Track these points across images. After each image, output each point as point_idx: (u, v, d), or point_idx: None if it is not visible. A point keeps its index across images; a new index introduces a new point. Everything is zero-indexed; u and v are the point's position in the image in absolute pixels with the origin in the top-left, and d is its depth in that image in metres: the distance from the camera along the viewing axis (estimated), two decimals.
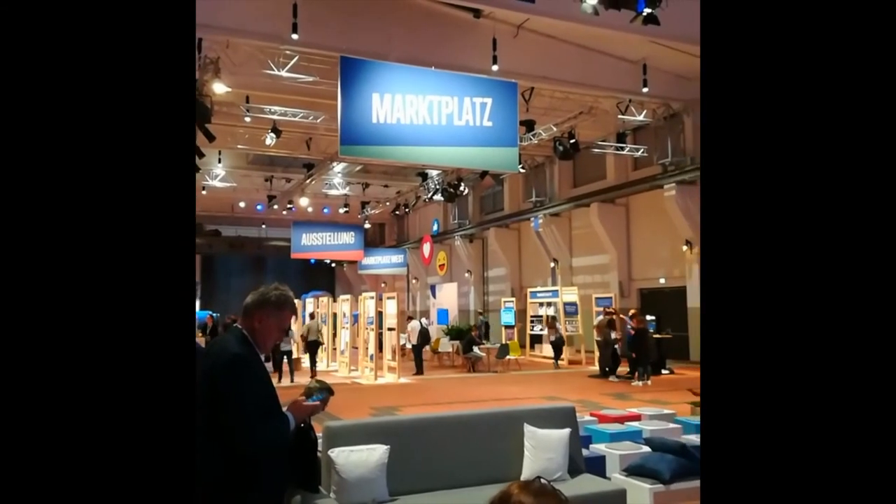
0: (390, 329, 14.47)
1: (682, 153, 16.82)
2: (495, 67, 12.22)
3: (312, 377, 11.86)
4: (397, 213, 26.70)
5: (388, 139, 10.85)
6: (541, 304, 19.34)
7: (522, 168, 19.61)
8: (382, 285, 31.42)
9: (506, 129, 11.79)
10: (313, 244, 27.57)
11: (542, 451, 4.08)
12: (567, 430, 4.21)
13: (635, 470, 4.32)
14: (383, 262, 31.44)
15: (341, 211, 27.07)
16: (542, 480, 1.35)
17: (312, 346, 14.85)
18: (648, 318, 14.82)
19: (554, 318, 17.36)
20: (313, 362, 14.86)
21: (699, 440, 5.60)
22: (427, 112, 11.13)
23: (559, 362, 16.45)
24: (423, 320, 19.22)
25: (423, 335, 15.66)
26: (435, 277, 28.43)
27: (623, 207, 19.52)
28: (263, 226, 31.29)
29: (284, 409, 2.39)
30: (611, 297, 17.57)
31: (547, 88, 15.10)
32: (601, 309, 16.07)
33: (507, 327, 19.82)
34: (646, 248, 18.89)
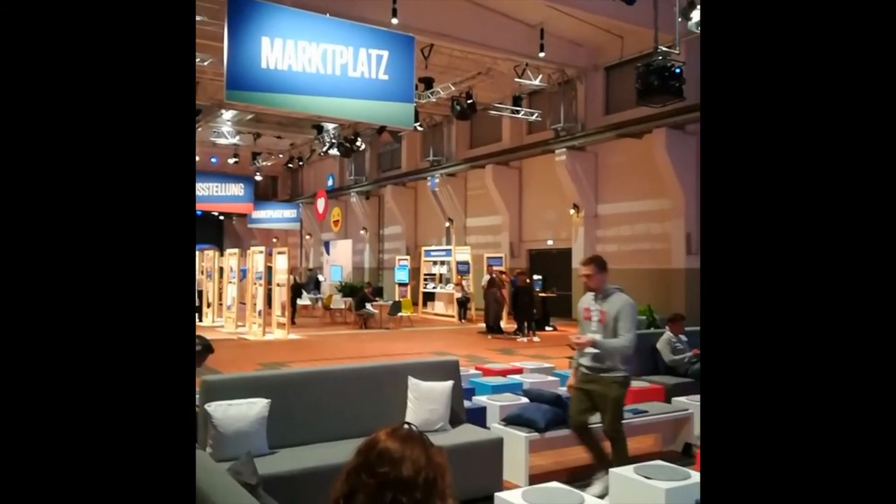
0: (279, 285, 14.16)
1: (573, 119, 17.35)
2: (395, 21, 11.94)
3: None
4: (291, 166, 25.87)
5: (277, 86, 10.39)
6: (434, 263, 19.59)
7: (420, 126, 19.51)
8: (274, 240, 30.53)
9: (402, 84, 11.61)
10: (199, 195, 26.23)
11: (424, 402, 4.17)
12: (450, 383, 4.32)
13: (513, 420, 4.51)
14: (275, 216, 30.50)
15: (231, 161, 25.85)
16: (409, 426, 1.37)
17: None
18: (535, 277, 15.42)
19: (461, 277, 17.85)
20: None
21: None
22: (320, 61, 10.73)
23: (464, 320, 17.11)
24: (319, 276, 18.92)
25: (295, 288, 16.54)
26: (329, 234, 27.96)
27: (517, 170, 19.96)
28: None
29: None
30: (501, 257, 18.07)
31: (446, 47, 14.99)
32: (490, 268, 16.53)
33: (400, 285, 19.96)
34: (536, 211, 19.49)
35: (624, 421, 4.18)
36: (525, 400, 5.05)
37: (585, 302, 4.30)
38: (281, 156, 25.97)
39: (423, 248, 20.82)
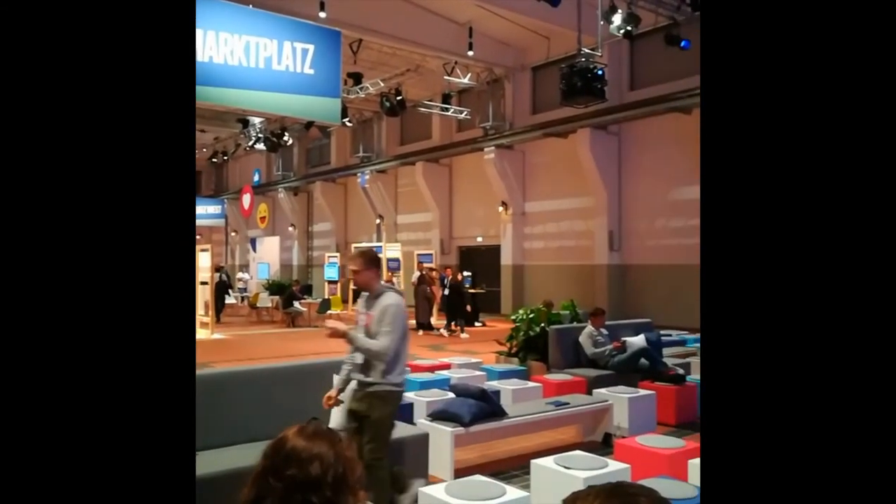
0: (203, 283, 13.71)
1: (502, 118, 17.61)
2: (323, 14, 11.78)
3: None
4: (215, 160, 25.10)
5: (199, 78, 10.05)
6: None
7: (350, 122, 19.32)
8: (198, 237, 29.50)
9: (328, 79, 11.45)
10: None
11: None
12: None
13: (439, 415, 4.56)
14: (198, 212, 29.46)
15: None
16: (317, 423, 1.37)
17: None
18: (465, 273, 15.57)
19: (392, 274, 17.73)
20: None
21: (500, 385, 6.06)
22: (244, 53, 10.44)
23: None
24: (245, 275, 18.40)
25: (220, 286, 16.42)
26: (256, 231, 27.28)
27: (447, 167, 20.08)
28: None
29: None
30: (432, 254, 18.15)
31: (375, 42, 14.91)
32: (420, 265, 16.57)
33: (330, 282, 19.72)
34: (466, 208, 19.68)
35: (542, 414, 4.19)
36: (451, 395, 5.11)
37: (359, 303, 3.75)
38: (205, 150, 25.13)
39: (354, 245, 20.63)
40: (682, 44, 11.20)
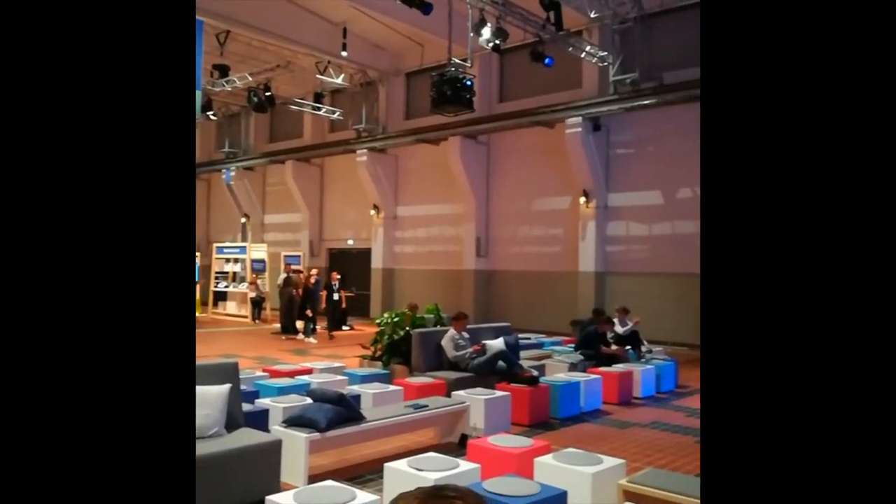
0: None
1: (375, 121, 17.59)
2: None
3: None
4: None
5: None
6: (227, 261, 18.62)
7: (214, 116, 18.43)
8: None
9: None
10: None
11: (198, 407, 3.94)
12: (227, 387, 4.15)
13: (294, 421, 4.45)
14: None
15: None
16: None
17: None
18: (335, 276, 15.34)
19: (256, 276, 17.07)
20: None
21: (361, 389, 6.03)
22: None
23: (258, 320, 16.42)
24: None
25: None
26: None
27: (318, 168, 19.72)
28: None
29: None
30: (300, 256, 17.72)
31: (244, 35, 14.35)
32: (287, 266, 16.13)
33: None
34: (337, 210, 19.42)
35: (400, 417, 4.20)
36: (309, 400, 5.01)
37: None
38: None
39: (216, 245, 19.68)
40: (546, 61, 11.77)
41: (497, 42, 10.84)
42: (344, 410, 4.63)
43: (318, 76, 16.28)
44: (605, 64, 12.79)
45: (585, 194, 13.61)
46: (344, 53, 15.26)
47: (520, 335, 10.23)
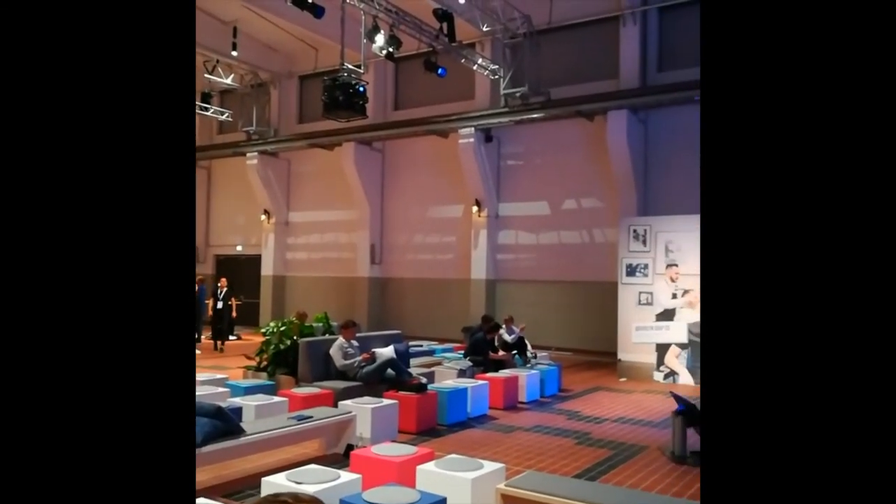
0: None
1: (266, 124, 17.12)
2: None
3: None
4: None
5: None
6: None
7: None
8: None
9: None
10: None
11: None
12: None
13: None
14: None
15: None
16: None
17: None
18: (220, 284, 14.71)
19: None
20: None
21: (243, 402, 5.82)
22: None
23: None
24: None
25: None
26: None
27: (205, 170, 18.90)
28: None
29: None
30: None
31: None
32: None
33: None
34: (225, 214, 18.70)
35: (282, 429, 4.12)
36: None
37: None
38: None
39: None
40: (440, 71, 11.95)
41: (391, 50, 10.87)
42: (222, 424, 4.45)
43: (206, 75, 15.63)
44: (497, 77, 13.14)
45: (478, 203, 13.91)
46: (234, 53, 14.76)
47: (413, 342, 10.28)
